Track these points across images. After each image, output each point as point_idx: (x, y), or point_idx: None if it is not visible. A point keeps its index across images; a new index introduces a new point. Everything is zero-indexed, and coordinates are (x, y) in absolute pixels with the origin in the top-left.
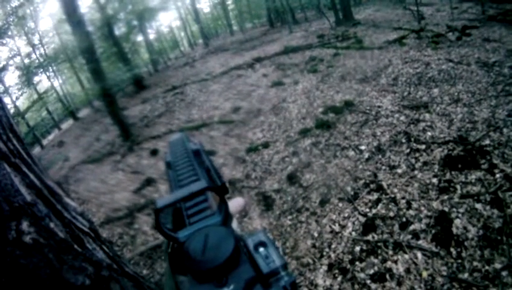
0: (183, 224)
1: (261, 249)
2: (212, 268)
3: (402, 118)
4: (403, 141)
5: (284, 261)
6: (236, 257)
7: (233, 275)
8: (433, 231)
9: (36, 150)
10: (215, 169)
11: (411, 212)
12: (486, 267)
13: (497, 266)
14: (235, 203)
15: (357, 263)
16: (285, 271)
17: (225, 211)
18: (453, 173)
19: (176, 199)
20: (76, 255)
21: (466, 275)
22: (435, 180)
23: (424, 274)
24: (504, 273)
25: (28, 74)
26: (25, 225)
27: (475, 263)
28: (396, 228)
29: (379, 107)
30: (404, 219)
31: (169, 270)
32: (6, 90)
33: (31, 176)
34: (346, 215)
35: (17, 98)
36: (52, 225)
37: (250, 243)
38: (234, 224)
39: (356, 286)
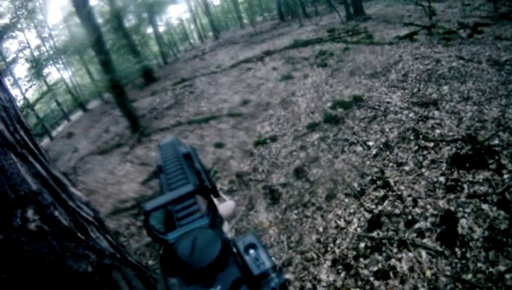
0: (174, 226)
1: (251, 251)
2: (199, 269)
3: (411, 114)
4: (411, 138)
5: (273, 263)
6: (224, 259)
7: (220, 276)
8: (439, 230)
9: (45, 141)
10: (206, 172)
11: (417, 210)
12: (491, 269)
13: (501, 268)
14: (225, 207)
15: (361, 259)
16: (275, 273)
17: (213, 214)
18: (460, 172)
19: (164, 202)
20: (80, 243)
21: (470, 276)
22: (442, 178)
23: (428, 273)
24: (508, 276)
25: (37, 66)
26: (30, 213)
27: (479, 264)
28: (401, 225)
29: (388, 103)
30: (409, 217)
31: (160, 272)
32: (16, 82)
33: (37, 165)
34: (352, 211)
35: (26, 90)
36: (56, 213)
37: (241, 245)
38: (226, 227)
39: (359, 283)
